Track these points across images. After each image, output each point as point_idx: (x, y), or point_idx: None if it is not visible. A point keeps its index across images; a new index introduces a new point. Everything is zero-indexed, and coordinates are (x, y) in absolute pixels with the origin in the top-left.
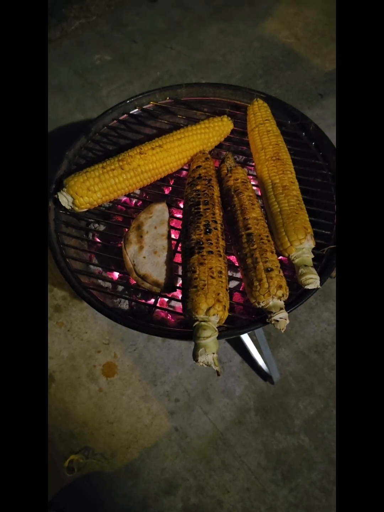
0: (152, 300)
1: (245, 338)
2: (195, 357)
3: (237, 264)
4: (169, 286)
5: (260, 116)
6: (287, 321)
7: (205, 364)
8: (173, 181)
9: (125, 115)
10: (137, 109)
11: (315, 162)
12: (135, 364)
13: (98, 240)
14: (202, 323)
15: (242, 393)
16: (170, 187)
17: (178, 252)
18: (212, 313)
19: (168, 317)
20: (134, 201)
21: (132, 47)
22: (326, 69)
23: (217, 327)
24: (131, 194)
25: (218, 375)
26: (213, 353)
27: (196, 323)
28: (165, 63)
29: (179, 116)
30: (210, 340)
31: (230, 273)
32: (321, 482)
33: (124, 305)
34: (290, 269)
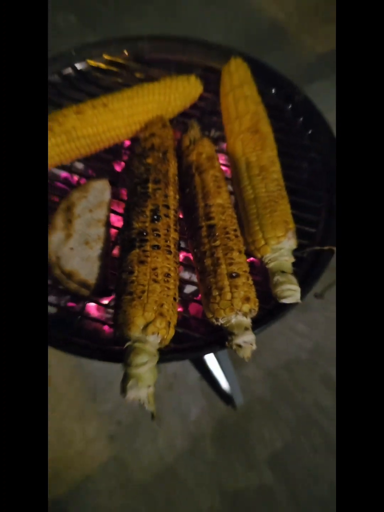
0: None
1: None
2: (123, 390)
3: None
4: (102, 289)
5: (237, 78)
6: (254, 347)
7: (137, 401)
8: (127, 156)
9: (69, 68)
10: (85, 63)
11: (302, 142)
12: (72, 374)
13: None
14: (136, 344)
15: (198, 416)
16: (123, 163)
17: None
18: (151, 332)
19: (104, 327)
20: (76, 178)
21: (102, 10)
22: (317, 51)
23: (158, 350)
24: (73, 168)
25: (153, 418)
26: (149, 386)
27: (128, 343)
28: (137, 32)
29: (138, 75)
30: (145, 369)
31: (187, 275)
32: None
33: (51, 307)
34: (262, 273)
